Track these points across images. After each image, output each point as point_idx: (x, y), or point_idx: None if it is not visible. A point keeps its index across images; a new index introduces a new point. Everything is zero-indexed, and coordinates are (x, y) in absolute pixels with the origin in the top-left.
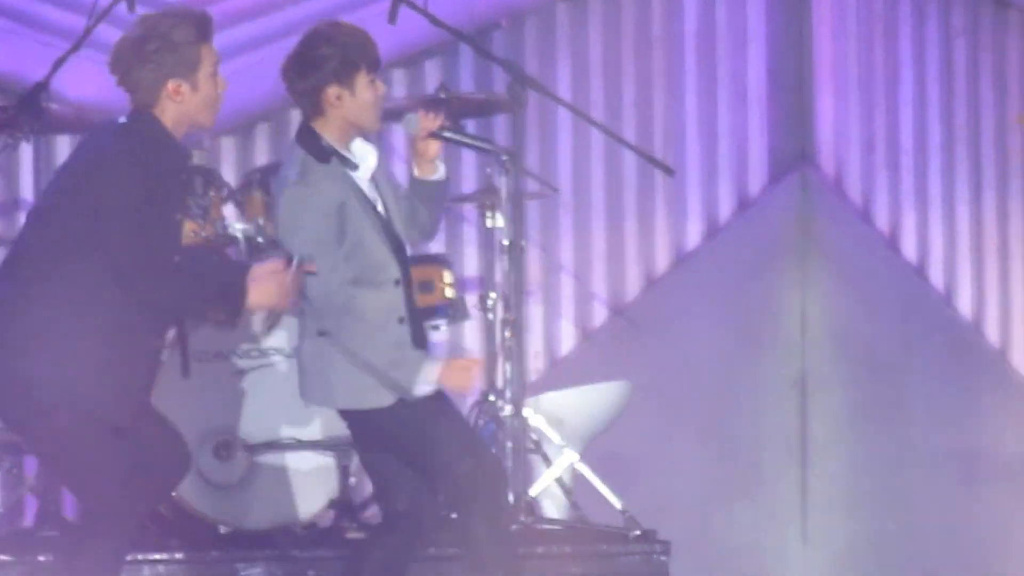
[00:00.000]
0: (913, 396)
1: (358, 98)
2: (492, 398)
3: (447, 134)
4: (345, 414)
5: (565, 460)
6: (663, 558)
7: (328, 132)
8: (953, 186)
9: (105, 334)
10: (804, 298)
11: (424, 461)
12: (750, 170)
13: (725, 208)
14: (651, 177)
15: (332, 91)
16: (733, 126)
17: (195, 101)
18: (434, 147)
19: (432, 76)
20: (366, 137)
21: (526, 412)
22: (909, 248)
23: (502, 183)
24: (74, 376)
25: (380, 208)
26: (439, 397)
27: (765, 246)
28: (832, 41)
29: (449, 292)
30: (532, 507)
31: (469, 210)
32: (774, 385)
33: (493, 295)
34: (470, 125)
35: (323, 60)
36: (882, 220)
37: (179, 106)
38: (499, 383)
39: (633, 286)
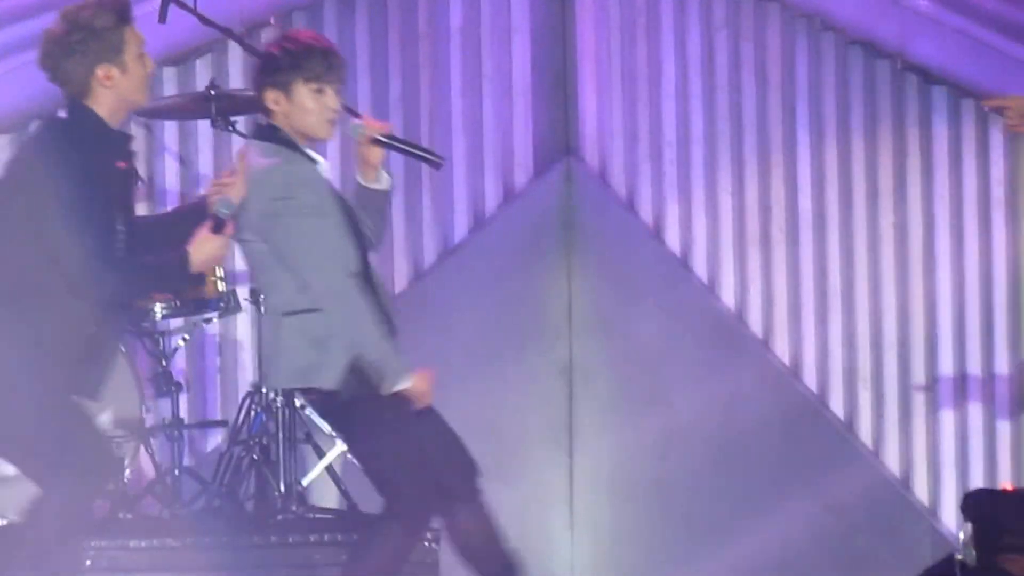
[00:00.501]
0: (677, 384)
1: (295, 105)
2: (264, 389)
3: (389, 140)
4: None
5: (336, 450)
6: (433, 546)
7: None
8: (716, 177)
9: (44, 324)
10: (570, 288)
11: (376, 464)
12: (515, 163)
13: (491, 201)
14: (417, 171)
15: (270, 95)
16: (498, 119)
17: (126, 83)
18: (376, 154)
19: (202, 74)
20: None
21: (297, 402)
22: (673, 239)
23: None
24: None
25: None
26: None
27: (531, 238)
28: (594, 34)
29: (221, 285)
30: (303, 496)
31: None
32: (541, 374)
33: None
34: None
35: (268, 65)
36: (646, 211)
37: (112, 91)
38: None
39: (401, 278)
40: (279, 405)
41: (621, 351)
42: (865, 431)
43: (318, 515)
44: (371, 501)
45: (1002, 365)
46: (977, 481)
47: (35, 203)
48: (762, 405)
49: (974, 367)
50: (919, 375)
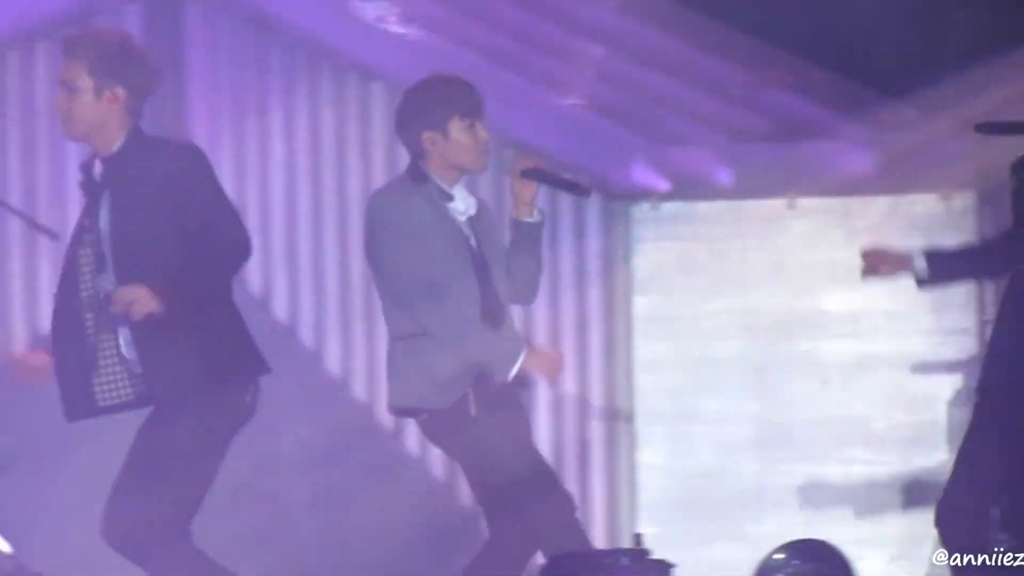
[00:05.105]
0: None
1: (451, 141)
2: None
3: (539, 173)
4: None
5: None
6: None
7: (433, 171)
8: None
9: None
10: None
11: None
12: None
13: None
14: None
15: (427, 136)
16: None
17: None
18: (530, 189)
19: None
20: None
21: None
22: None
23: None
24: None
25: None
26: None
27: None
28: (207, 109)
29: None
30: None
31: None
32: None
33: None
34: None
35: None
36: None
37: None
38: None
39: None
40: None
41: None
42: None
43: None
44: None
45: None
46: None
47: None
48: None
49: None
50: None
